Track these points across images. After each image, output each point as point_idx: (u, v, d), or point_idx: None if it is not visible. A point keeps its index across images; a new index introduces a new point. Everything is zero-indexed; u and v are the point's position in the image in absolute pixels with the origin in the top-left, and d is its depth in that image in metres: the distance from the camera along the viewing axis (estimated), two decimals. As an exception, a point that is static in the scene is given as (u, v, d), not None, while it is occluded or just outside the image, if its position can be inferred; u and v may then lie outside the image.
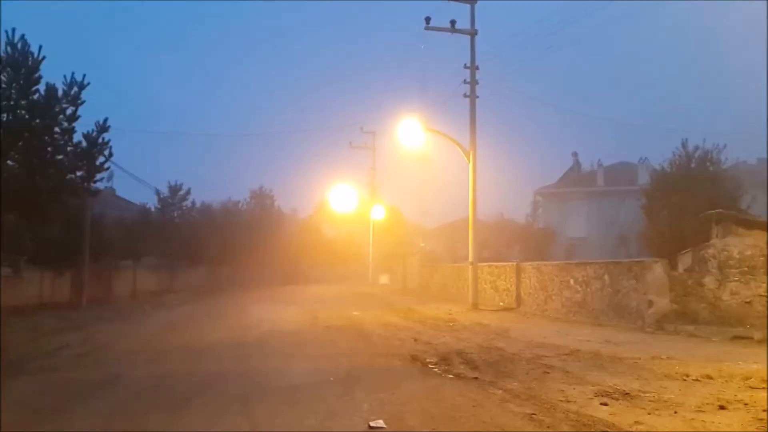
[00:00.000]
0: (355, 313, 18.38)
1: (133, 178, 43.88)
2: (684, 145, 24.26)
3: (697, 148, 24.09)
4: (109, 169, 23.10)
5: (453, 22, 21.19)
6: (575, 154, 43.50)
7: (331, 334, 13.02)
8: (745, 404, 5.93)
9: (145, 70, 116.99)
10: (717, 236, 15.91)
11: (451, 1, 21.26)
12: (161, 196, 35.52)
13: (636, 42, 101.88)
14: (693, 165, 23.86)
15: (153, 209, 34.89)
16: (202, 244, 35.20)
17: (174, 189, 36.08)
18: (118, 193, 37.22)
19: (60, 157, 18.56)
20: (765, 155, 42.08)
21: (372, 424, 5.35)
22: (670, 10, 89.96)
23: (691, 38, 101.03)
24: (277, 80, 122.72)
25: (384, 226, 44.71)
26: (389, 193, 60.13)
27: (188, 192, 36.69)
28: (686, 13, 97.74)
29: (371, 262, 44.21)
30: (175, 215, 36.25)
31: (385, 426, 5.30)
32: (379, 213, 44.19)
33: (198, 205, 39.89)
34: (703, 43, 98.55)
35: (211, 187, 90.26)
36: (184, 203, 36.79)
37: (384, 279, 41.98)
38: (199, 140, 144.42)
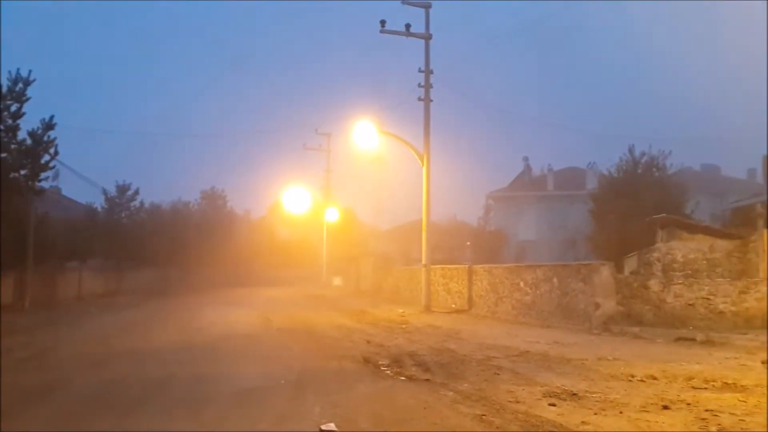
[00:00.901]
0: (307, 315, 18.29)
1: (80, 177, 42.55)
2: (631, 151, 25.01)
3: (643, 154, 24.86)
4: (55, 168, 22.50)
5: (408, 26, 21.36)
6: (526, 158, 44.36)
7: (283, 336, 12.93)
8: (688, 404, 6.11)
9: (95, 67, 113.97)
10: (662, 240, 16.46)
11: (407, 5, 21.42)
12: (108, 196, 34.68)
13: (586, 49, 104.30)
14: (639, 170, 24.59)
15: (100, 209, 34.03)
16: (151, 245, 34.47)
17: (122, 189, 35.26)
18: (64, 192, 36.17)
19: (3, 155, 17.98)
20: (708, 161, 43.70)
21: (323, 427, 5.33)
22: (618, 19, 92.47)
23: (640, 46, 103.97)
24: (231, 80, 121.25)
25: (338, 228, 44.60)
26: (343, 195, 59.96)
27: (137, 192, 35.90)
28: (634, 21, 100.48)
29: (325, 264, 44.05)
30: (123, 216, 35.42)
31: (336, 429, 5.29)
32: (333, 215, 44.06)
33: (147, 205, 39.07)
34: (651, 50, 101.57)
35: (161, 188, 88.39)
36: (132, 203, 35.98)
37: (337, 281, 41.85)
38: (149, 139, 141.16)
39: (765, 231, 14.57)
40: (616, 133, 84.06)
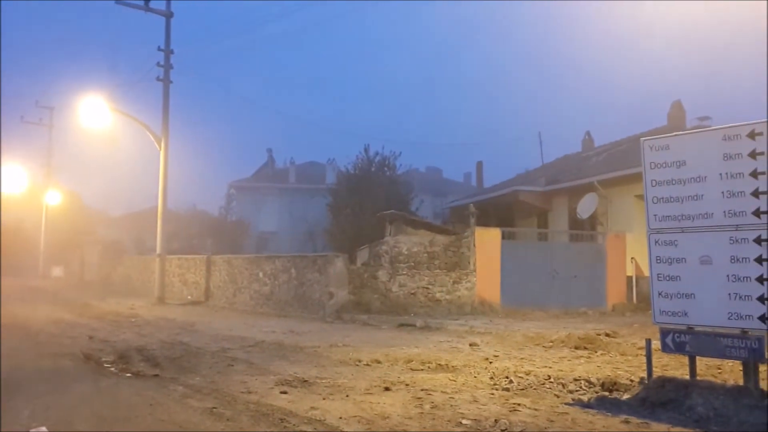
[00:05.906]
0: (19, 309, 16.26)
1: None
2: (366, 150, 26.64)
3: (377, 154, 26.67)
4: None
5: (147, 0, 20.10)
6: (270, 150, 44.56)
7: (-13, 334, 11.32)
8: (407, 385, 6.67)
9: None
10: (390, 234, 17.78)
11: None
12: None
13: (328, 49, 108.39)
14: (373, 169, 26.30)
15: None
16: None
17: None
18: None
19: None
20: (432, 164, 48.44)
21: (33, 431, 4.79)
22: (359, 23, 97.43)
23: (379, 51, 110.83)
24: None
25: (60, 212, 40.38)
26: (69, 176, 54.73)
27: None
28: (374, 26, 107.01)
29: (43, 252, 39.58)
30: None
31: (47, 433, 4.79)
32: (54, 198, 39.78)
33: None
34: (389, 55, 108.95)
35: None
36: None
37: (58, 271, 37.98)
38: None
39: (476, 228, 16.54)
40: (355, 132, 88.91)
